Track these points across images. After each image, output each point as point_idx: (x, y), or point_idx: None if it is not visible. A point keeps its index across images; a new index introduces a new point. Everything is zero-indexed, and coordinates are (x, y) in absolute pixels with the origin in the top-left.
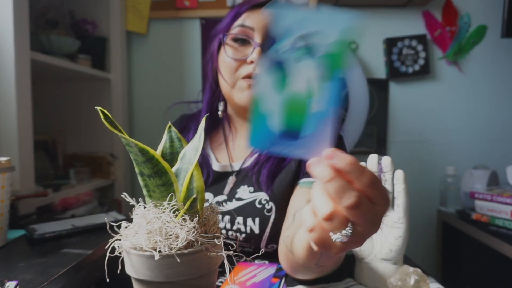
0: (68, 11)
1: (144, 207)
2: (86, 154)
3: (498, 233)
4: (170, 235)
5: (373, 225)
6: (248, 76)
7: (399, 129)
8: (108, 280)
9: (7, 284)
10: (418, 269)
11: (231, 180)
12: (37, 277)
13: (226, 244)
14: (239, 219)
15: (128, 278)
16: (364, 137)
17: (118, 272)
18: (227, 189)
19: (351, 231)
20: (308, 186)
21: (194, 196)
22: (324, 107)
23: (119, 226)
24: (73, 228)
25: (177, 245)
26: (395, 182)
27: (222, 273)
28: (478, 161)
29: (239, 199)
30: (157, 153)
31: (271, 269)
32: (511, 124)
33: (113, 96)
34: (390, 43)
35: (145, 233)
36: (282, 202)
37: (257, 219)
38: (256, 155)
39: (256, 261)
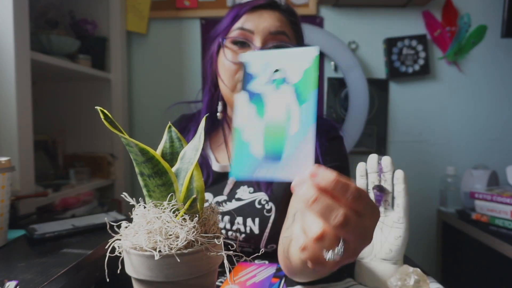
0: (68, 11)
1: (144, 207)
2: (86, 154)
3: (498, 233)
4: (170, 235)
5: (365, 239)
6: None
7: (399, 129)
8: (108, 280)
9: (7, 284)
10: (418, 269)
11: (231, 180)
12: (37, 277)
13: (226, 244)
14: (239, 219)
15: (128, 278)
16: (364, 137)
17: (118, 272)
18: (226, 190)
19: (342, 248)
20: None
21: (194, 196)
22: (302, 127)
23: (119, 226)
24: (73, 228)
25: (177, 245)
26: (395, 182)
27: (222, 273)
28: (478, 161)
29: (239, 199)
30: (157, 153)
31: (271, 269)
32: (511, 124)
33: (113, 96)
34: (390, 43)
35: (145, 233)
36: (281, 202)
37: (256, 220)
38: None
39: (256, 261)
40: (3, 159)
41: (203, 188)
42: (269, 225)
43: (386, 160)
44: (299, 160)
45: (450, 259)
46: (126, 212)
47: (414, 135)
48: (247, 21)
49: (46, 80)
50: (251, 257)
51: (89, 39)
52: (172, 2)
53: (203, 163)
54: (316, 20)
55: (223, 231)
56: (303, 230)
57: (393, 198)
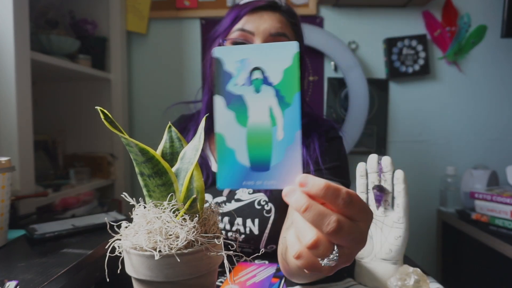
0: (68, 11)
1: (144, 207)
2: (86, 154)
3: (498, 233)
4: (170, 235)
5: (359, 242)
6: None
7: (399, 129)
8: (108, 280)
9: (7, 284)
10: (418, 269)
11: None
12: (37, 277)
13: (226, 244)
14: (238, 220)
15: (128, 278)
16: (364, 137)
17: (118, 272)
18: (226, 191)
19: (337, 254)
20: None
21: (194, 196)
22: (288, 133)
23: (119, 226)
24: (73, 228)
25: (177, 245)
26: (395, 182)
27: (222, 273)
28: (478, 161)
29: (238, 200)
30: (157, 153)
31: (271, 269)
32: (511, 124)
33: (113, 96)
34: (390, 43)
35: (145, 233)
36: (281, 203)
37: (256, 220)
38: None
39: (256, 261)
40: (3, 159)
41: (203, 188)
42: (269, 225)
43: (386, 160)
44: (288, 169)
45: (450, 259)
46: (126, 212)
47: (414, 135)
48: (247, 22)
49: (46, 80)
50: (251, 257)
51: (89, 39)
52: (172, 2)
53: (203, 163)
54: (316, 20)
55: (223, 232)
56: (297, 237)
57: (393, 198)
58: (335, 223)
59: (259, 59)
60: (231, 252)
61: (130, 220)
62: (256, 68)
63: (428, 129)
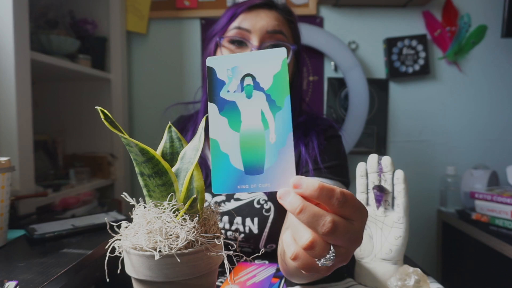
0: (68, 11)
1: (144, 207)
2: (86, 154)
3: (498, 233)
4: (170, 235)
5: (355, 242)
6: None
7: (399, 129)
8: (108, 280)
9: (7, 284)
10: (418, 269)
11: None
12: (37, 277)
13: (226, 244)
14: (238, 219)
15: (128, 278)
16: (364, 137)
17: (118, 272)
18: None
19: (334, 254)
20: None
21: (194, 196)
22: (280, 136)
23: (119, 226)
24: (73, 228)
25: (177, 245)
26: (395, 182)
27: (222, 273)
28: (478, 161)
29: (238, 199)
30: (157, 153)
31: (271, 269)
32: (511, 124)
33: (113, 96)
34: (390, 43)
35: (145, 233)
36: None
37: (255, 219)
38: None
39: (256, 261)
40: (3, 159)
41: (203, 188)
42: (268, 224)
43: (386, 160)
44: (281, 171)
45: (450, 259)
46: (126, 212)
47: (414, 135)
48: (244, 20)
49: (46, 80)
50: (251, 257)
51: (89, 39)
52: (172, 2)
53: (202, 163)
54: (316, 20)
55: (222, 231)
56: (293, 238)
57: (393, 198)
58: (330, 224)
59: (250, 66)
60: (231, 252)
61: (130, 220)
62: (247, 75)
63: (428, 129)
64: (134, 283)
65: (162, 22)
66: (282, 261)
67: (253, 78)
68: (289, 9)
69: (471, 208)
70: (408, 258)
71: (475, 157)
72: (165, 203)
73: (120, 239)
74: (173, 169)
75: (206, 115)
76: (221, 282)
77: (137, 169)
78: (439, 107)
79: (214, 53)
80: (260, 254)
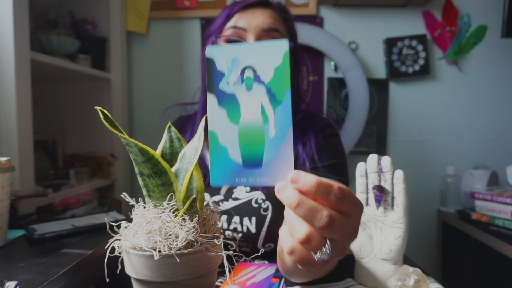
0: (68, 11)
1: (144, 207)
2: (86, 154)
3: (498, 233)
4: (170, 235)
5: (351, 236)
6: None
7: (399, 129)
8: (108, 280)
9: (7, 284)
10: (418, 269)
11: None
12: (37, 277)
13: (225, 244)
14: (236, 219)
15: (128, 278)
16: (364, 137)
17: (118, 272)
18: (223, 189)
19: (330, 248)
20: None
21: (194, 196)
22: (279, 131)
23: (119, 226)
24: (73, 228)
25: (176, 245)
26: (395, 182)
27: (222, 273)
28: (478, 161)
29: (236, 198)
30: (157, 153)
31: (271, 269)
32: (511, 124)
33: (113, 96)
34: (390, 43)
35: (145, 233)
36: (278, 201)
37: (253, 218)
38: None
39: (256, 261)
40: (3, 159)
41: (203, 188)
42: (266, 224)
43: (386, 160)
44: (280, 165)
45: (450, 259)
46: (126, 212)
47: (414, 135)
48: (239, 19)
49: (46, 80)
50: (251, 257)
51: (89, 39)
52: (172, 2)
53: (200, 163)
54: (316, 20)
55: (220, 231)
56: (289, 233)
57: (393, 198)
58: (327, 218)
59: (250, 58)
60: (231, 252)
61: (130, 220)
62: (247, 67)
63: (428, 129)
64: (134, 283)
65: (162, 22)
66: (281, 260)
67: (254, 70)
68: (284, 7)
69: (471, 208)
70: (408, 258)
71: (475, 157)
72: (165, 203)
73: (119, 239)
74: (173, 169)
75: (206, 115)
76: (221, 282)
77: (136, 169)
78: (439, 107)
79: None
80: (259, 254)
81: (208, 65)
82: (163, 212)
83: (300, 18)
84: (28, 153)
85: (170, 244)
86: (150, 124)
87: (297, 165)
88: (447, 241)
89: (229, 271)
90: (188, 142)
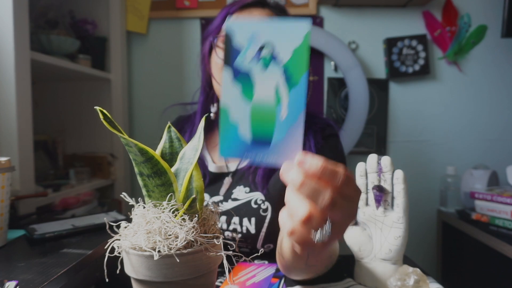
0: (68, 11)
1: (144, 207)
2: (86, 154)
3: (498, 233)
4: (170, 235)
5: (350, 217)
6: None
7: (399, 129)
8: (107, 280)
9: (7, 284)
10: (418, 269)
11: (227, 181)
12: (37, 277)
13: (225, 244)
14: (235, 219)
15: (128, 278)
16: (364, 137)
17: (118, 272)
18: (223, 190)
19: (330, 229)
20: None
21: (194, 196)
22: (291, 113)
23: (118, 226)
24: (73, 228)
25: (176, 245)
26: (395, 182)
27: (221, 273)
28: (478, 161)
29: (235, 199)
30: (157, 153)
31: (271, 269)
32: (511, 124)
33: (113, 96)
34: (390, 43)
35: (145, 233)
36: (277, 201)
37: (253, 219)
38: None
39: (256, 261)
40: (3, 159)
41: (202, 188)
42: (265, 224)
43: (385, 160)
44: (288, 147)
45: (450, 259)
46: (126, 212)
47: (414, 135)
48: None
49: (46, 80)
50: (251, 257)
51: (89, 39)
52: (172, 2)
53: (200, 163)
54: (316, 20)
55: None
56: (289, 214)
57: (392, 198)
58: (331, 198)
59: (270, 36)
60: (231, 252)
61: (129, 220)
62: (266, 45)
63: (428, 129)
64: (134, 283)
65: (162, 22)
66: (280, 255)
67: (272, 49)
68: (282, 7)
69: (471, 208)
70: (408, 258)
71: (475, 157)
72: (165, 203)
73: (119, 239)
74: (173, 169)
75: (206, 114)
76: (221, 282)
77: (136, 169)
78: (439, 107)
79: (209, 54)
80: (259, 254)
81: (227, 39)
82: (163, 212)
83: (300, 18)
84: (28, 153)
85: (170, 244)
86: (150, 124)
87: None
88: (447, 241)
89: (229, 271)
90: (187, 142)
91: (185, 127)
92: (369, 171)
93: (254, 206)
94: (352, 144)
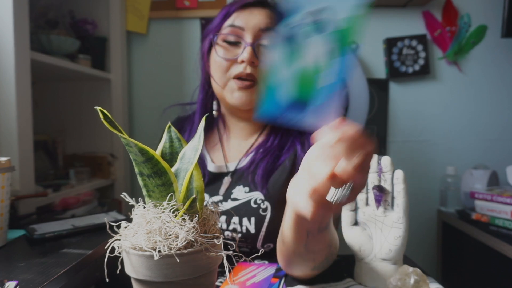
0: (68, 11)
1: (144, 207)
2: (86, 154)
3: (498, 233)
4: (170, 235)
5: (363, 186)
6: (239, 76)
7: (399, 129)
8: (108, 280)
9: (7, 284)
10: (418, 269)
11: (226, 180)
12: (37, 277)
13: (225, 244)
14: (235, 219)
15: (128, 278)
16: None
17: (118, 272)
18: (222, 190)
19: (350, 188)
20: None
21: (194, 196)
22: (333, 81)
23: (119, 226)
24: (73, 228)
25: (176, 245)
26: (395, 182)
27: (221, 273)
28: (478, 161)
29: (235, 199)
30: (157, 153)
31: (271, 269)
32: (511, 124)
33: (113, 96)
34: (390, 43)
35: (145, 233)
36: (277, 201)
37: (252, 219)
38: (251, 154)
39: (256, 261)
40: (3, 159)
41: (202, 188)
42: (265, 224)
43: (385, 160)
44: (325, 113)
45: (450, 259)
46: (126, 212)
47: (414, 135)
48: (237, 18)
49: (46, 80)
50: (251, 257)
51: (89, 39)
52: (172, 2)
53: (199, 163)
54: None
55: None
56: (311, 175)
57: (392, 198)
58: (361, 160)
59: (325, 3)
60: (231, 252)
61: (130, 220)
62: (319, 11)
63: (428, 129)
64: (134, 283)
65: (162, 22)
66: (280, 244)
67: (325, 16)
68: (283, 8)
69: (471, 208)
70: (408, 258)
71: (475, 157)
72: (165, 203)
73: (119, 239)
74: (173, 169)
75: (206, 114)
76: (221, 282)
77: (136, 169)
78: (439, 107)
79: (209, 52)
80: (259, 254)
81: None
82: (163, 212)
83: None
84: (28, 153)
85: (170, 244)
86: (150, 124)
87: (296, 166)
88: (447, 241)
89: (229, 271)
90: (186, 140)
91: (184, 126)
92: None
93: (254, 205)
94: None
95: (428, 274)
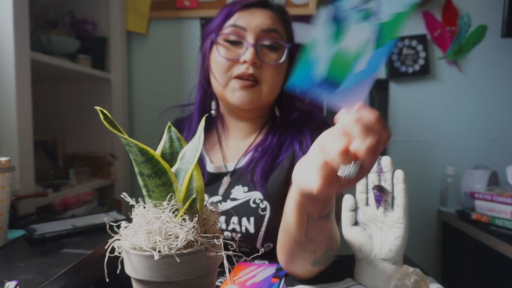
0: (68, 11)
1: (144, 207)
2: (86, 154)
3: (498, 233)
4: (170, 235)
5: (370, 168)
6: (240, 76)
7: (399, 129)
8: (108, 280)
9: (7, 284)
10: (418, 269)
11: (226, 180)
12: (37, 277)
13: (225, 244)
14: (234, 219)
15: (128, 278)
16: None
17: (118, 272)
18: (221, 190)
19: (359, 167)
20: None
21: (194, 196)
22: (368, 69)
23: (119, 226)
24: (73, 228)
25: (176, 245)
26: (395, 182)
27: (222, 273)
28: (478, 161)
29: (234, 199)
30: (157, 153)
31: (271, 269)
32: (511, 124)
33: (113, 96)
34: None
35: (145, 233)
36: (276, 200)
37: (252, 219)
38: (250, 153)
39: (256, 261)
40: (3, 159)
41: (203, 188)
42: (264, 223)
43: (386, 160)
44: (352, 96)
45: (450, 259)
46: (126, 212)
47: (414, 135)
48: (239, 19)
49: (46, 80)
50: (251, 257)
51: (89, 39)
52: (172, 2)
53: (198, 163)
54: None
55: None
56: (324, 150)
57: (392, 198)
58: (376, 142)
59: None
60: (231, 252)
61: (130, 220)
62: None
63: (428, 129)
64: (134, 283)
65: (162, 22)
66: (282, 234)
67: (377, 5)
68: (283, 8)
69: (471, 208)
70: (408, 258)
71: (475, 157)
72: (165, 203)
73: (119, 239)
74: (173, 169)
75: (206, 114)
76: (221, 282)
77: (136, 169)
78: (439, 107)
79: (210, 51)
80: (259, 254)
81: None
82: (163, 212)
83: (300, 18)
84: (28, 153)
85: (170, 244)
86: (150, 124)
87: (294, 165)
88: (447, 241)
89: (229, 271)
90: (185, 139)
91: (183, 127)
92: None
93: (253, 205)
94: None
95: (428, 274)
